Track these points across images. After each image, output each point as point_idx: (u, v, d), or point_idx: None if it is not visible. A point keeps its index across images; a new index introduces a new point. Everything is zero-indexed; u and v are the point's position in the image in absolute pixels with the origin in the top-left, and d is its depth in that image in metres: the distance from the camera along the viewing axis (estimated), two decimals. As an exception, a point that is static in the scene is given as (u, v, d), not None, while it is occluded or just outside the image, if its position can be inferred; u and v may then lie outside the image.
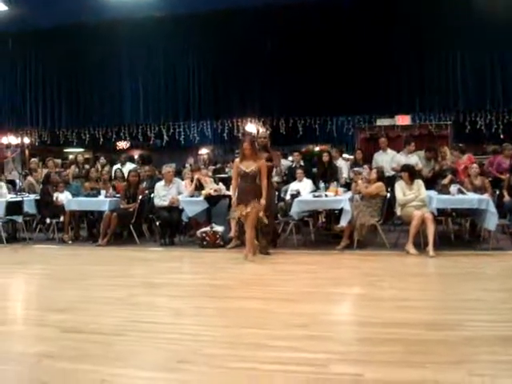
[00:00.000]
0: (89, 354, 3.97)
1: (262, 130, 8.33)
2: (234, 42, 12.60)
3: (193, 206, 9.44)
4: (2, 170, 13.57)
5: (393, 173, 10.54)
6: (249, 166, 7.71)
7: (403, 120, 13.40)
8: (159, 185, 9.80)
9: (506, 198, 8.91)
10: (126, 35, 13.04)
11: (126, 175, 10.65)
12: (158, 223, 9.64)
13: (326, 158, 10.89)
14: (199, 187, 9.72)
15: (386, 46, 11.74)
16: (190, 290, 5.66)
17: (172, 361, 3.78)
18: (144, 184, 10.37)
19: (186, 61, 13.27)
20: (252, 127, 14.89)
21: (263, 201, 7.57)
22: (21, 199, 10.36)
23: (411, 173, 8.51)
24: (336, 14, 11.97)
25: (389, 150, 11.35)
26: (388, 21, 11.66)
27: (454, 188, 8.23)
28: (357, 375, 3.38)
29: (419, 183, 8.44)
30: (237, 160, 7.97)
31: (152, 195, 9.89)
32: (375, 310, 4.90)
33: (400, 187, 8.39)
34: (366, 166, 10.28)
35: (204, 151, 20.21)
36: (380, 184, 8.63)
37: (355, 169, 9.63)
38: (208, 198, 9.29)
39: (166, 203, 9.50)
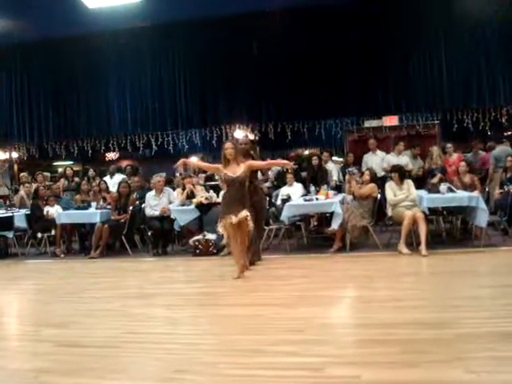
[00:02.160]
0: (85, 367, 3.94)
1: (242, 135, 7.97)
2: (220, 49, 12.64)
3: (184, 215, 9.42)
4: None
5: (383, 174, 10.59)
6: (235, 171, 6.85)
7: (391, 121, 13.45)
8: (150, 195, 9.77)
9: (497, 194, 8.96)
10: (112, 46, 13.05)
11: (115, 186, 10.61)
12: (149, 233, 9.61)
13: (315, 161, 10.93)
14: (190, 196, 9.71)
15: (372, 48, 11.82)
16: (185, 299, 5.65)
17: (169, 371, 3.77)
18: (135, 195, 10.35)
19: (173, 69, 13.29)
20: (240, 133, 14.89)
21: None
22: (11, 214, 10.31)
23: (401, 173, 8.55)
24: (321, 18, 12.03)
25: (378, 152, 11.41)
26: (373, 23, 11.73)
27: (443, 187, 8.28)
28: (354, 377, 3.38)
29: (409, 183, 8.47)
30: (220, 166, 7.04)
31: (143, 205, 9.87)
32: (370, 312, 4.92)
33: (390, 188, 8.43)
34: (355, 169, 10.29)
35: (194, 159, 20.22)
36: (373, 185, 8.68)
37: (349, 169, 9.64)
38: (199, 206, 9.28)
39: (157, 213, 9.48)
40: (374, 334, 4.20)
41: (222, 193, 9.87)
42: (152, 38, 13.01)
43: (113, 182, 11.45)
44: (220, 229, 6.85)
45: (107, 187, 11.16)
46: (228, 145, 6.99)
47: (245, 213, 6.68)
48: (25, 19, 11.78)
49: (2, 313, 6.30)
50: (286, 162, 8.37)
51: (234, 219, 6.63)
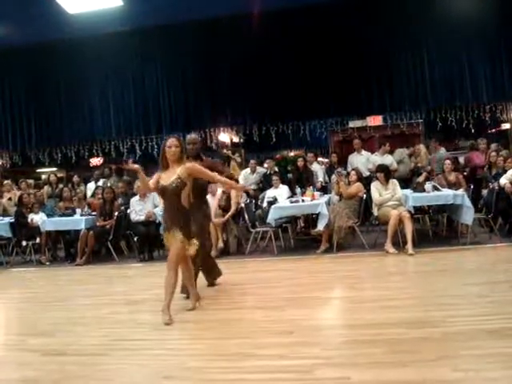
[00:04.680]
0: (74, 375, 3.91)
1: (190, 135, 6.57)
2: (202, 52, 12.63)
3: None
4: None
5: (368, 174, 10.62)
6: (169, 177, 5.16)
7: (375, 121, 13.53)
8: (134, 199, 9.72)
9: (484, 191, 9.02)
10: (94, 51, 12.95)
11: (98, 191, 10.60)
12: (135, 239, 9.54)
13: (300, 163, 10.96)
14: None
15: (354, 48, 11.84)
16: (172, 304, 5.60)
17: (157, 377, 3.74)
18: (119, 200, 10.29)
19: (155, 73, 13.25)
20: (225, 136, 14.88)
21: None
22: (-6, 223, 10.21)
23: (386, 173, 8.58)
24: (302, 19, 12.04)
25: (363, 152, 11.46)
26: (355, 22, 11.76)
27: (428, 185, 8.33)
28: (344, 379, 3.38)
29: (394, 183, 8.52)
30: (158, 174, 5.35)
31: (128, 211, 9.81)
32: (358, 312, 4.92)
33: (376, 188, 8.46)
34: (343, 170, 10.32)
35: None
36: (359, 184, 8.74)
37: (338, 170, 9.67)
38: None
39: (142, 218, 9.43)
40: (362, 335, 4.20)
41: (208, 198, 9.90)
42: (133, 42, 12.94)
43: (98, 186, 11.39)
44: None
45: (85, 195, 11.22)
46: (171, 141, 5.22)
47: (178, 236, 5.16)
48: (4, 24, 11.68)
49: (-14, 323, 6.22)
50: (238, 186, 6.85)
51: (168, 239, 5.30)
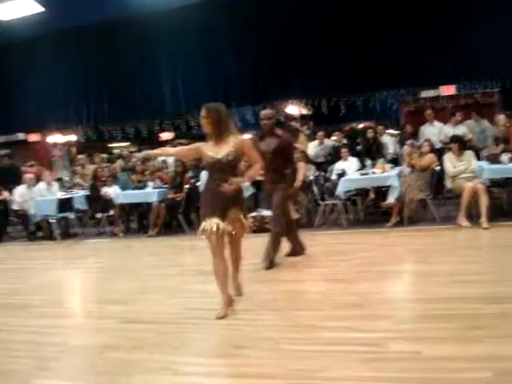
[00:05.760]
0: (149, 343, 4.04)
1: (264, 110, 6.65)
2: (268, 24, 12.49)
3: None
4: (51, 168, 13.89)
5: (441, 145, 10.32)
6: (219, 151, 4.49)
7: (448, 90, 13.03)
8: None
9: None
10: (162, 26, 13.08)
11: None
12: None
13: (370, 134, 10.78)
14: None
15: (425, 14, 11.39)
16: (242, 275, 5.67)
17: (229, 347, 3.81)
18: (190, 173, 10.45)
19: (223, 47, 13.23)
20: (293, 109, 14.78)
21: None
22: (71, 196, 10.62)
23: (461, 144, 8.29)
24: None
25: (435, 122, 11.11)
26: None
27: (505, 157, 8.00)
28: (415, 353, 3.33)
29: (469, 154, 8.21)
30: (199, 145, 4.68)
31: (198, 183, 9.95)
32: (430, 286, 4.81)
33: (449, 159, 8.19)
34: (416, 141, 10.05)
35: (247, 136, 20.38)
36: (432, 155, 8.51)
37: (410, 141, 9.44)
38: (254, 182, 9.28)
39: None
40: (434, 309, 4.12)
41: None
42: (200, 17, 12.95)
43: (170, 161, 11.60)
44: (199, 233, 4.69)
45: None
46: (202, 113, 4.55)
47: (237, 212, 4.61)
48: (75, 4, 11.92)
49: (65, 291, 6.52)
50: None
51: (216, 224, 4.48)
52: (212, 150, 4.50)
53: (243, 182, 4.64)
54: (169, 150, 5.34)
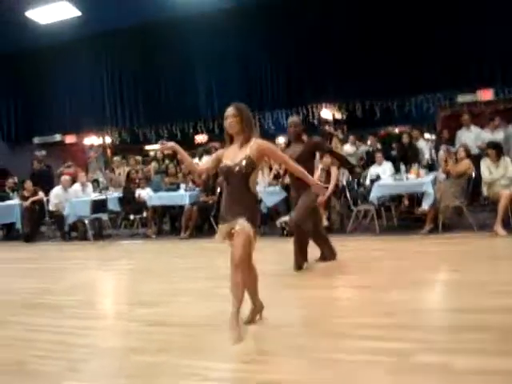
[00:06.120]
0: (176, 346, 4.03)
1: (291, 117, 6.52)
2: (303, 28, 12.43)
3: (272, 196, 9.43)
4: (86, 169, 14.11)
5: (477, 151, 10.12)
6: (236, 157, 4.15)
7: (486, 95, 12.75)
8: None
9: None
10: (197, 29, 13.13)
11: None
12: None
13: (406, 139, 10.68)
14: (277, 176, 9.69)
15: (463, 18, 11.18)
16: (272, 280, 5.63)
17: (253, 352, 3.77)
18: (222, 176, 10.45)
19: (257, 50, 13.21)
20: (327, 113, 14.68)
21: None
22: (105, 197, 10.75)
23: (498, 150, 8.10)
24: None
25: (472, 127, 10.91)
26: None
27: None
28: (445, 365, 3.23)
29: (506, 160, 8.02)
30: (219, 152, 4.42)
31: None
32: (464, 296, 4.69)
33: (486, 165, 8.02)
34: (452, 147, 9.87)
35: (281, 140, 20.24)
36: (468, 161, 8.32)
37: (446, 147, 9.27)
38: (287, 186, 9.23)
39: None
40: (467, 320, 4.01)
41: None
42: (235, 20, 12.97)
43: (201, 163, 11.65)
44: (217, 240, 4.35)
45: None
46: (228, 111, 4.22)
47: (247, 227, 4.05)
48: (110, 8, 12.05)
49: (97, 292, 6.57)
50: (315, 183, 4.83)
51: (225, 231, 4.21)
52: (230, 156, 4.17)
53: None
54: (194, 165, 4.86)
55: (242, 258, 4.04)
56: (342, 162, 8.07)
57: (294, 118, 6.44)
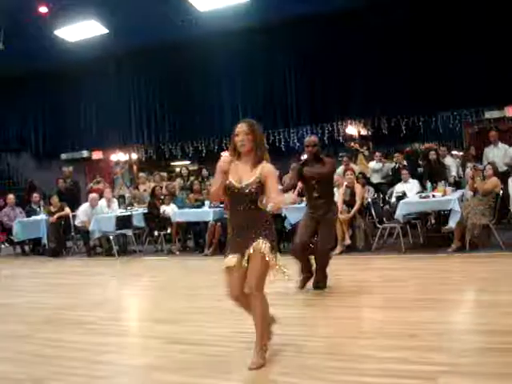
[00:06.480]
0: (194, 366, 3.98)
1: (309, 137, 6.40)
2: (328, 44, 12.46)
3: (296, 213, 9.34)
4: (112, 185, 14.23)
5: (505, 168, 9.95)
6: (243, 178, 3.87)
7: (513, 111, 12.61)
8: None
9: None
10: (223, 47, 13.26)
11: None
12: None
13: (433, 156, 10.55)
14: (301, 193, 9.63)
15: (489, 33, 11.07)
16: (293, 298, 5.57)
17: (274, 373, 3.72)
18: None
19: (282, 67, 13.29)
20: (352, 129, 14.63)
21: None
22: (130, 213, 10.81)
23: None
24: (432, 6, 11.50)
25: (500, 144, 10.72)
26: (491, 7, 11.00)
27: None
28: (471, 389, 3.14)
29: (535, 178, 7.87)
30: (224, 167, 3.93)
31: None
32: (491, 317, 4.57)
33: (514, 183, 7.88)
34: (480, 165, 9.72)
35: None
36: (496, 179, 8.17)
37: (475, 164, 9.14)
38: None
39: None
40: (495, 343, 3.89)
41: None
42: (260, 38, 13.08)
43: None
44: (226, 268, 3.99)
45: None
46: (240, 126, 3.92)
47: (264, 249, 3.85)
48: (136, 26, 12.22)
49: (119, 308, 6.56)
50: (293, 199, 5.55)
51: (235, 260, 3.92)
52: (236, 176, 3.87)
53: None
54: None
55: (257, 285, 3.87)
56: None
57: (312, 138, 6.33)
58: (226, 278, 3.98)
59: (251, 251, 3.84)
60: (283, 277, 4.02)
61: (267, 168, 3.88)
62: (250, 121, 3.99)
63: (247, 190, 3.82)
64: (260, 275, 3.86)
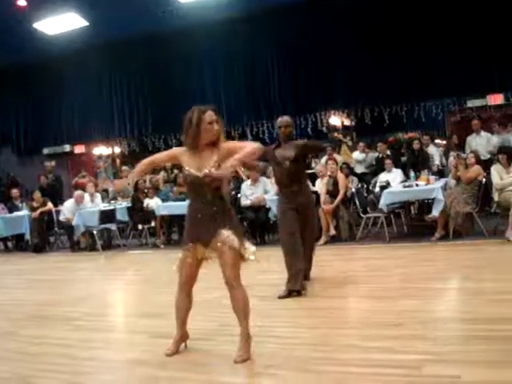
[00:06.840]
0: (181, 360, 3.98)
1: (282, 117, 5.94)
2: (311, 35, 12.43)
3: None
4: (96, 179, 14.13)
5: (488, 156, 10.02)
6: (203, 165, 3.74)
7: (495, 99, 12.67)
8: (245, 184, 9.81)
9: None
10: (204, 38, 13.18)
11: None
12: (245, 224, 9.61)
13: (416, 145, 10.61)
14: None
15: (472, 22, 11.10)
16: (279, 289, 5.55)
17: (260, 366, 3.70)
18: (230, 185, 10.42)
19: (265, 58, 13.26)
20: (336, 119, 14.62)
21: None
22: (113, 208, 10.74)
23: (509, 155, 7.99)
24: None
25: (482, 133, 10.80)
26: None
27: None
28: (453, 377, 3.14)
29: (518, 166, 7.91)
30: (177, 151, 4.00)
31: (238, 195, 9.91)
32: (475, 305, 4.59)
33: (496, 171, 7.92)
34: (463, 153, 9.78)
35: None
36: (478, 167, 8.22)
37: (458, 153, 9.19)
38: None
39: (249, 202, 9.48)
40: (478, 330, 3.91)
41: (317, 182, 9.74)
42: (242, 28, 13.02)
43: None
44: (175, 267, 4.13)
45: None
46: (210, 115, 3.79)
47: (232, 239, 3.78)
48: (117, 18, 12.10)
49: (103, 303, 6.50)
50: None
51: (198, 251, 3.92)
52: (194, 165, 3.75)
53: (232, 168, 3.72)
54: (144, 161, 4.08)
55: (235, 277, 3.86)
56: (317, 149, 7.51)
57: (284, 118, 5.96)
58: (182, 267, 4.01)
59: (218, 244, 3.77)
60: (254, 261, 3.95)
61: (224, 144, 3.78)
62: (214, 108, 3.88)
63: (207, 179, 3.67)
64: (234, 268, 3.84)
